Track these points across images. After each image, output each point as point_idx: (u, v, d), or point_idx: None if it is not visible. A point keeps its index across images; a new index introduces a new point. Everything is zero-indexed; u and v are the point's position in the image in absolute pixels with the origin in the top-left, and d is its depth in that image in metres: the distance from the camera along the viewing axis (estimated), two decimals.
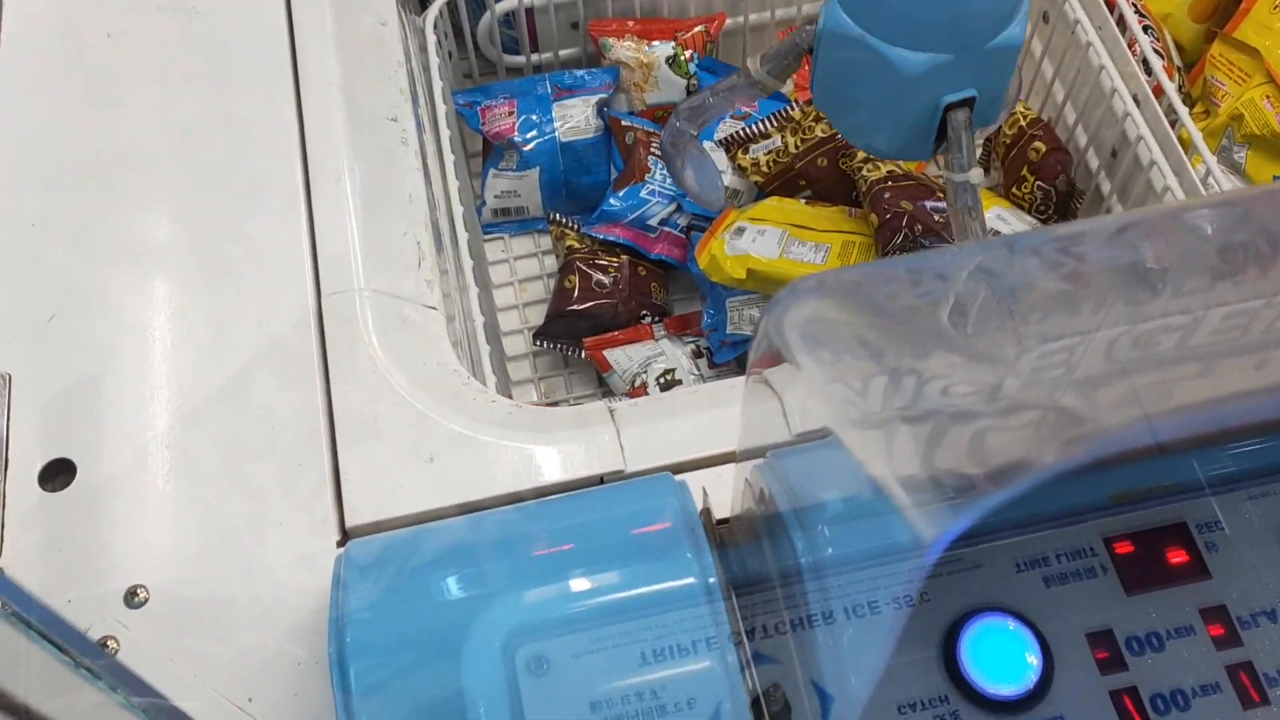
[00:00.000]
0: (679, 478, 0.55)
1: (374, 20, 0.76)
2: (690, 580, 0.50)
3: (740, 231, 0.97)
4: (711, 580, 0.50)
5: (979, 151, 0.95)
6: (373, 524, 0.56)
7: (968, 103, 0.70)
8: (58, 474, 0.59)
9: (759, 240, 0.96)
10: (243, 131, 0.70)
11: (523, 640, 0.52)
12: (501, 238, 1.11)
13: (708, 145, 1.04)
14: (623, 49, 1.08)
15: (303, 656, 0.53)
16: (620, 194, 1.05)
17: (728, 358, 1.00)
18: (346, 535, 0.57)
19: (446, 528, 0.53)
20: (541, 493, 0.57)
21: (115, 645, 0.54)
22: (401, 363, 0.61)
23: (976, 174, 0.73)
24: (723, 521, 0.56)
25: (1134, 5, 1.01)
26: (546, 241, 1.11)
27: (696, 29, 1.08)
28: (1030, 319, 0.44)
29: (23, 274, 0.65)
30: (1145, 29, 1.00)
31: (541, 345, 1.03)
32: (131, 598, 0.55)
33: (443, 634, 0.50)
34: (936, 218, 0.92)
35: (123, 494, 0.58)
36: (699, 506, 0.53)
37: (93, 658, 0.42)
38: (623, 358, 0.98)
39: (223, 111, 0.70)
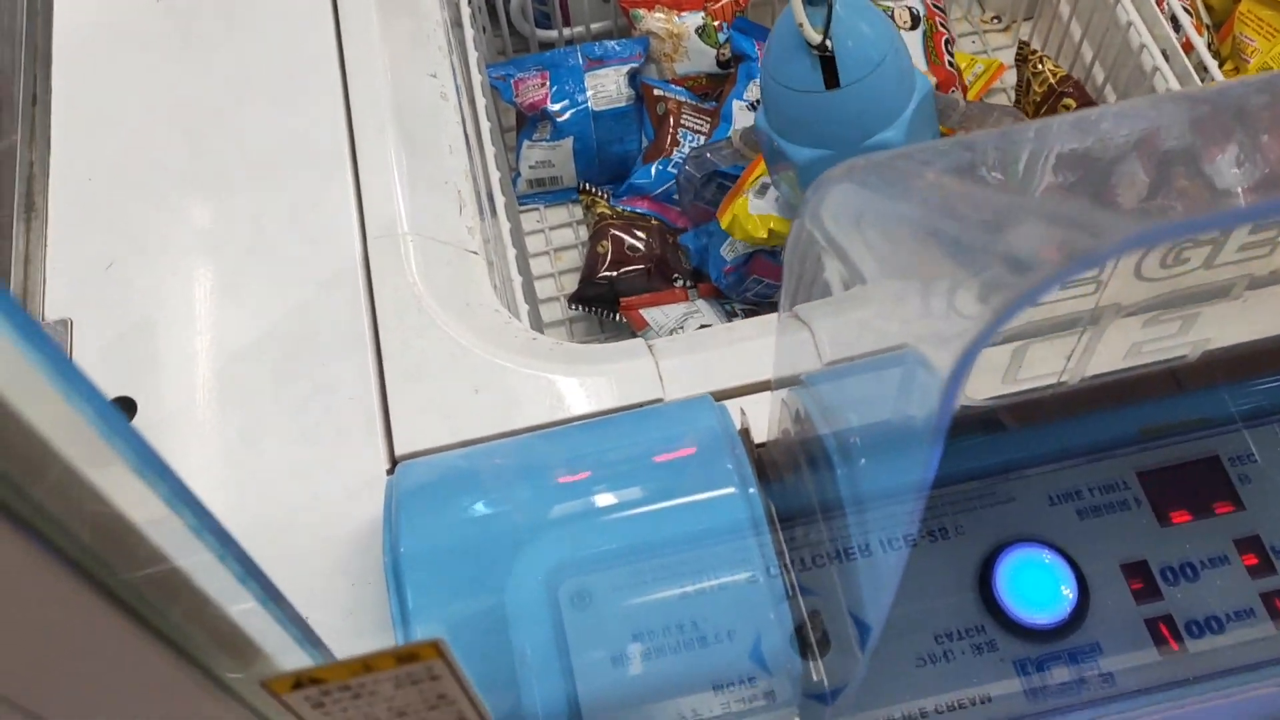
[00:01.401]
0: (718, 402, 0.56)
1: None
2: (731, 490, 0.51)
3: (764, 189, 0.98)
4: (752, 490, 0.51)
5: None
6: (421, 452, 0.58)
7: None
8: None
9: (781, 199, 0.97)
10: (289, 83, 0.72)
11: (565, 575, 0.54)
12: (537, 208, 1.13)
13: (738, 104, 1.05)
14: (653, 20, 1.10)
15: (355, 576, 0.55)
16: (649, 167, 1.07)
17: (733, 278, 1.00)
18: (396, 462, 0.58)
19: (492, 450, 0.55)
20: (582, 421, 0.59)
21: None
22: (445, 302, 0.63)
23: None
24: (760, 445, 0.57)
25: None
26: (580, 212, 1.13)
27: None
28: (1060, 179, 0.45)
29: (82, 224, 0.67)
30: None
31: (577, 309, 1.05)
32: None
33: (490, 557, 0.52)
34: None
35: (182, 429, 0.60)
36: (738, 426, 0.55)
37: None
38: (659, 315, 1.00)
39: (271, 64, 0.72)
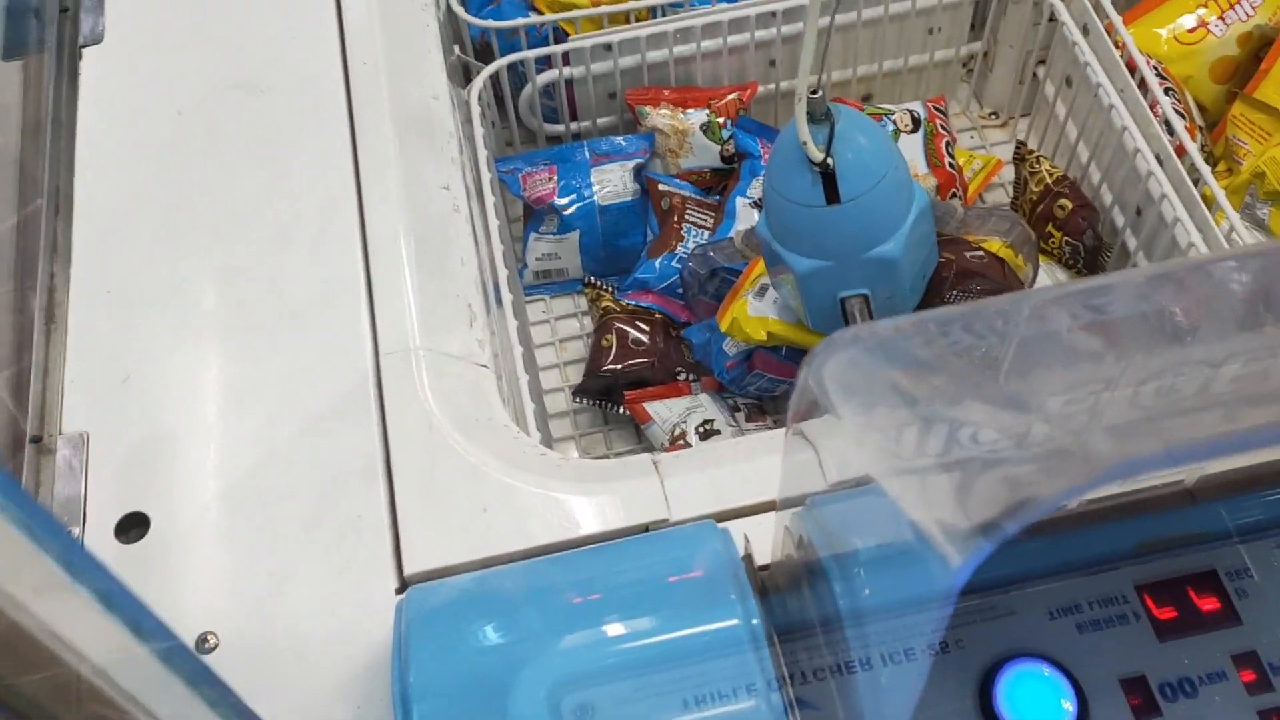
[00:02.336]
0: (721, 525, 0.58)
1: (427, 94, 0.80)
2: (734, 622, 0.52)
3: (763, 290, 1.00)
4: (755, 623, 0.52)
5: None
6: (429, 572, 0.59)
7: (861, 297, 0.89)
8: (133, 526, 0.62)
9: (780, 301, 0.99)
10: (306, 200, 0.74)
11: (568, 690, 0.54)
12: (542, 299, 1.15)
13: (742, 201, 1.07)
14: (659, 116, 1.13)
15: (362, 699, 0.56)
16: (654, 262, 1.09)
17: (736, 373, 1.01)
18: (405, 583, 0.59)
19: (501, 575, 0.56)
20: (589, 541, 0.60)
21: None
22: (455, 418, 0.64)
23: None
24: (763, 568, 0.58)
25: (1155, 68, 1.05)
26: (586, 302, 1.14)
27: (730, 97, 1.12)
28: (1055, 368, 0.47)
29: (101, 338, 0.69)
30: (1166, 90, 1.03)
31: (581, 402, 1.06)
32: (202, 644, 0.58)
33: (496, 680, 0.53)
34: (976, 263, 0.97)
35: (194, 545, 0.61)
36: (741, 552, 0.56)
37: None
38: (662, 409, 1.01)
39: (287, 182, 0.74)
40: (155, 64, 0.80)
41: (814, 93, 0.81)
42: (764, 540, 0.58)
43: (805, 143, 0.79)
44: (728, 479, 0.62)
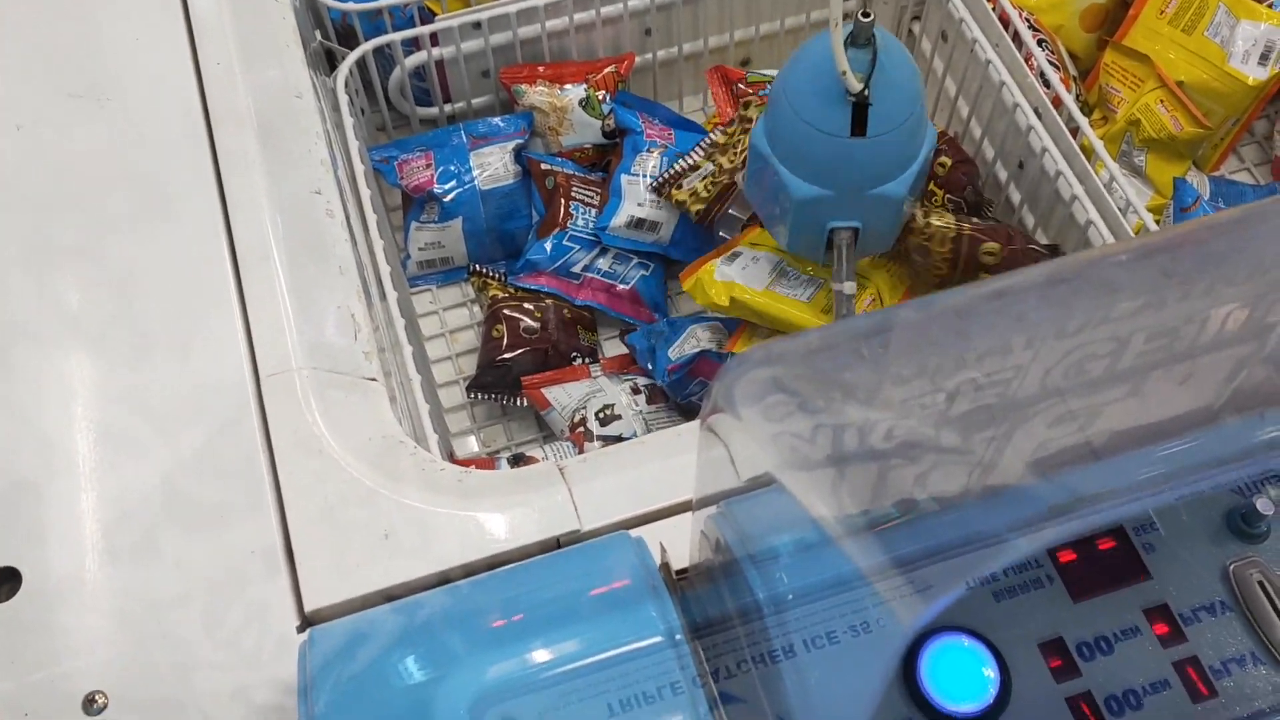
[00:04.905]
0: (635, 533, 0.56)
1: (289, 93, 0.76)
2: (656, 639, 0.51)
3: (734, 257, 0.96)
4: (678, 637, 0.51)
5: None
6: (333, 607, 0.56)
7: (852, 230, 0.84)
8: (3, 582, 0.57)
9: (750, 268, 0.96)
10: (165, 218, 0.69)
11: (490, 703, 0.52)
12: (429, 289, 1.11)
13: (626, 179, 1.05)
14: (535, 94, 1.09)
15: None
16: (543, 243, 1.06)
17: (677, 378, 0.98)
18: (307, 620, 0.56)
19: (408, 606, 0.53)
20: (499, 560, 0.58)
21: None
22: (347, 440, 0.61)
23: (849, 286, 0.86)
24: (681, 573, 0.56)
25: (1027, 20, 1.05)
26: (474, 291, 1.11)
27: (607, 70, 1.09)
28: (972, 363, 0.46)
29: None
30: (1040, 43, 1.03)
31: (476, 397, 1.03)
32: (90, 705, 0.55)
33: (413, 712, 0.50)
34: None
35: (72, 598, 0.57)
36: (657, 561, 0.54)
37: None
38: (561, 395, 0.99)
39: (144, 199, 0.69)
40: None
41: (865, 15, 0.74)
42: (678, 542, 0.57)
43: (845, 73, 0.73)
44: (637, 482, 0.60)
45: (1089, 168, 0.94)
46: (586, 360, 1.04)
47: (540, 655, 0.52)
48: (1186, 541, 0.66)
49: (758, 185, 0.88)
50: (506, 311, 1.04)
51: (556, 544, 0.58)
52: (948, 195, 1.04)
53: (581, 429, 0.98)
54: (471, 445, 1.03)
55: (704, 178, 1.03)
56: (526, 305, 1.05)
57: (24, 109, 0.73)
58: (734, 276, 0.94)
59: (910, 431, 0.46)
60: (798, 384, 0.37)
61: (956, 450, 0.55)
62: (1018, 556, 0.65)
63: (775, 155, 0.82)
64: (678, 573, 0.56)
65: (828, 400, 0.38)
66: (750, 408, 0.38)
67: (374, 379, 0.65)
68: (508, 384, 1.02)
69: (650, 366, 1.00)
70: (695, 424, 0.73)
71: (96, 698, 0.55)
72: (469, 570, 0.57)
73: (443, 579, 0.57)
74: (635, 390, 1.01)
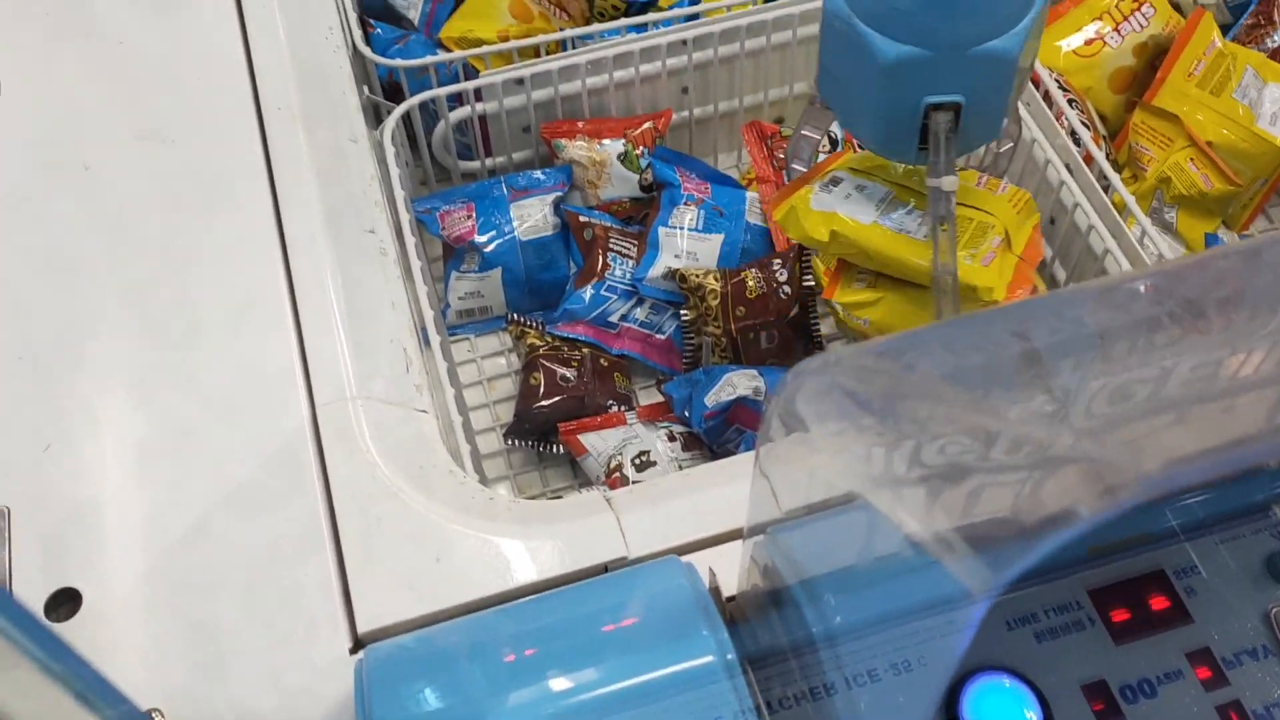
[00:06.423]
0: (684, 559, 0.56)
1: (344, 137, 0.78)
2: (709, 659, 0.51)
3: (835, 183, 0.83)
4: (730, 657, 0.51)
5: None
6: (385, 629, 0.57)
7: (953, 108, 0.70)
8: (63, 603, 0.59)
9: (854, 197, 0.83)
10: (227, 254, 0.71)
11: None
12: (467, 338, 1.13)
13: (664, 231, 1.07)
14: (575, 149, 1.12)
15: None
16: (582, 292, 1.08)
17: (714, 425, 0.98)
18: (359, 642, 0.57)
19: (461, 627, 0.54)
20: (547, 585, 0.58)
21: None
22: (399, 467, 0.62)
23: (950, 181, 0.73)
24: (730, 599, 0.57)
25: (1057, 81, 1.07)
26: (511, 339, 1.13)
27: (645, 126, 1.12)
28: (1014, 382, 0.47)
29: (18, 407, 0.65)
30: (1070, 102, 1.05)
31: (513, 444, 1.04)
32: None
33: None
34: None
35: (131, 620, 0.58)
36: (707, 585, 0.55)
37: None
38: (597, 441, 1.00)
39: (207, 236, 0.72)
40: (57, 116, 0.77)
41: None
42: (728, 570, 0.57)
43: None
44: (682, 512, 0.61)
45: (1121, 223, 0.96)
46: (622, 408, 1.06)
47: (594, 679, 0.52)
48: (1228, 585, 0.66)
49: (835, 65, 0.74)
50: (544, 360, 1.06)
51: (604, 569, 0.59)
52: None
53: (618, 474, 0.99)
54: (506, 491, 1.04)
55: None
56: (564, 354, 1.06)
57: (93, 149, 0.76)
58: (835, 207, 0.81)
59: (960, 454, 0.47)
60: (859, 393, 0.38)
61: (1003, 481, 0.56)
62: (1058, 598, 0.66)
63: (858, 13, 0.69)
64: (727, 599, 0.56)
65: (887, 414, 0.39)
66: (814, 418, 0.39)
67: (425, 410, 0.66)
68: (544, 431, 1.03)
69: (687, 414, 1.01)
70: (740, 456, 0.74)
71: (154, 715, 0.55)
72: (518, 594, 0.58)
73: (492, 602, 0.58)
74: (671, 437, 1.02)
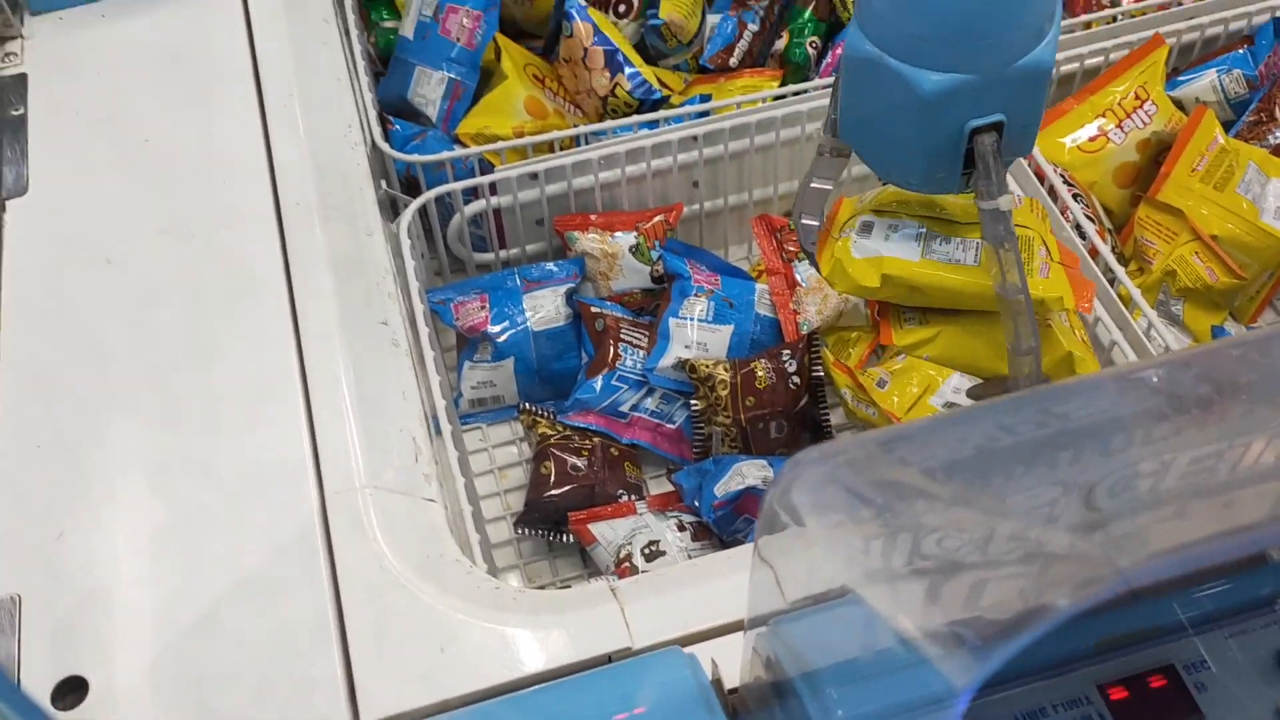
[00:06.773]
0: (686, 650, 0.57)
1: (360, 231, 0.80)
2: None
3: (867, 228, 0.83)
4: None
5: None
6: (391, 719, 0.57)
7: (995, 127, 0.69)
8: (70, 691, 0.59)
9: (892, 239, 0.83)
10: (242, 344, 0.73)
11: None
12: (479, 427, 1.14)
13: (674, 322, 1.08)
14: (587, 241, 1.14)
15: None
16: (593, 382, 1.09)
17: (723, 514, 0.97)
18: None
19: (466, 717, 0.54)
20: (552, 675, 0.58)
21: None
22: (406, 556, 0.63)
23: (1006, 200, 0.72)
24: (733, 691, 0.57)
25: (1061, 176, 1.09)
26: (522, 429, 1.13)
27: (656, 219, 1.14)
28: (1014, 474, 0.47)
29: (32, 494, 0.66)
30: (1075, 197, 1.07)
31: (523, 532, 1.04)
32: None
33: None
34: None
35: (138, 708, 0.58)
36: (709, 677, 0.55)
37: None
38: (607, 530, 1.00)
39: (223, 326, 0.73)
40: (82, 212, 0.79)
41: None
42: (731, 662, 0.57)
43: None
44: (687, 602, 0.61)
45: (1127, 315, 0.97)
46: (633, 497, 1.06)
47: None
48: (1238, 679, 0.66)
49: (862, 108, 0.73)
50: (555, 449, 1.06)
51: (608, 660, 0.59)
52: None
53: (627, 564, 0.99)
54: (516, 581, 1.04)
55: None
56: (575, 443, 1.07)
57: (115, 244, 0.78)
58: (879, 251, 0.80)
59: (964, 547, 0.47)
60: (857, 487, 0.39)
61: (1009, 575, 0.56)
62: (1067, 692, 0.65)
63: (887, 50, 0.67)
64: (730, 691, 0.56)
65: (884, 507, 0.39)
66: (810, 512, 0.40)
67: (434, 499, 0.67)
68: (554, 520, 1.04)
69: (697, 504, 1.01)
70: (746, 546, 0.74)
71: None
72: (523, 684, 0.58)
73: (497, 692, 0.58)
74: (681, 527, 1.03)
